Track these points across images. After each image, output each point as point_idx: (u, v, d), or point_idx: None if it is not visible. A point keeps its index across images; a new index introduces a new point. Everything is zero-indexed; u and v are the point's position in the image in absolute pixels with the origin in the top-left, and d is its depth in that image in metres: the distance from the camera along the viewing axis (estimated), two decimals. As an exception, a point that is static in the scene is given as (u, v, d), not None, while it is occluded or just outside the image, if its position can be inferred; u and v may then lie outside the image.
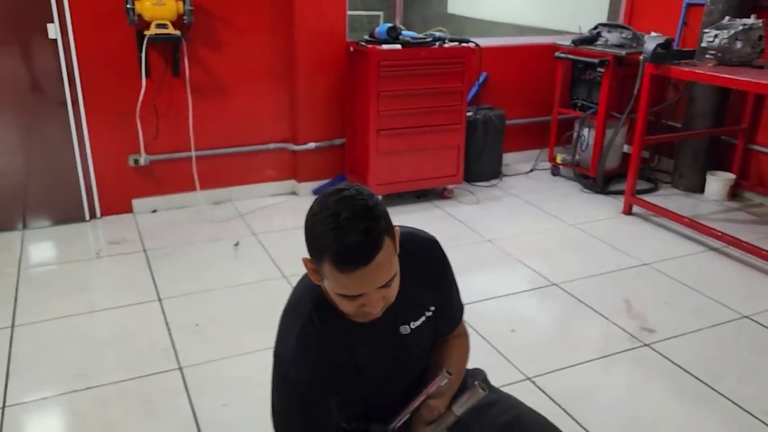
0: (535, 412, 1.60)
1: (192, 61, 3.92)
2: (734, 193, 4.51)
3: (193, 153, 4.05)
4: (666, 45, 3.82)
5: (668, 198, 4.51)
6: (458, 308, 1.58)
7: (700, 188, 4.60)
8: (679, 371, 2.61)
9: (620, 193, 4.48)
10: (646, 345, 2.79)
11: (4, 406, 2.33)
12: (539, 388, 2.49)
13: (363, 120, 4.10)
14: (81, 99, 3.76)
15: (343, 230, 1.12)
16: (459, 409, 1.18)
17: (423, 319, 1.44)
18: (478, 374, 1.69)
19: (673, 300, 3.18)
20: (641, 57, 3.92)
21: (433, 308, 1.46)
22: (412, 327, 1.42)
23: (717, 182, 4.48)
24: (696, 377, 2.57)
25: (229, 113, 4.16)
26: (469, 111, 4.51)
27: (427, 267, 1.44)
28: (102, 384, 2.47)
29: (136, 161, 3.98)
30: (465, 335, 1.62)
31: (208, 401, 2.38)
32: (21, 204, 3.86)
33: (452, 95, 4.16)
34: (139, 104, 3.82)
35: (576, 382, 2.54)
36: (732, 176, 4.48)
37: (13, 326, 2.83)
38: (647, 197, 4.38)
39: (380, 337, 1.39)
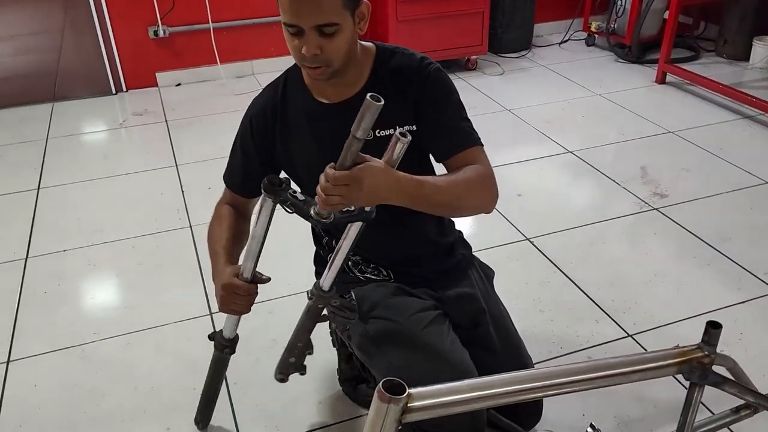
0: (512, 325, 1.57)
1: (204, -74, 3.81)
2: (783, 60, 4.21)
3: (211, 25, 4.02)
4: None
5: (708, 66, 4.25)
6: (461, 132, 1.39)
7: (745, 56, 4.30)
8: (685, 233, 2.57)
9: (655, 62, 4.25)
10: (654, 209, 2.74)
11: (27, 257, 2.51)
12: (537, 247, 2.51)
13: (382, -15, 3.94)
14: (95, -32, 3.74)
15: None
16: (357, 129, 1.07)
17: (391, 131, 1.31)
18: (488, 268, 1.67)
19: (694, 167, 3.07)
20: None
21: (410, 127, 1.36)
22: (377, 134, 1.36)
23: (764, 48, 4.17)
24: (702, 239, 2.53)
25: (247, -19, 4.07)
26: (497, -25, 4.26)
27: (407, 79, 1.36)
28: (117, 239, 2.62)
29: (156, 33, 3.98)
30: (479, 165, 1.37)
31: (213, 255, 2.49)
32: (51, 79, 3.96)
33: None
34: (151, -29, 3.77)
35: (575, 242, 2.54)
36: (781, 41, 4.16)
37: (38, 188, 3.00)
38: (685, 65, 4.14)
39: (342, 129, 1.31)
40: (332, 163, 1.12)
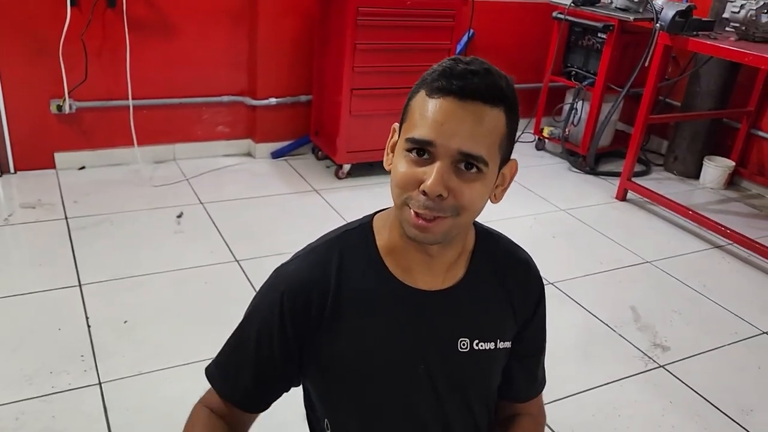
0: None
1: (132, -10, 3.24)
2: (731, 181, 4.17)
3: (131, 102, 3.40)
4: (686, 13, 3.36)
5: (662, 183, 4.14)
6: (538, 375, 1.22)
7: (695, 173, 4.23)
8: (703, 403, 2.23)
9: (611, 174, 4.12)
10: (660, 366, 2.40)
11: None
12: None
13: (335, 76, 3.52)
14: (-11, 27, 3.06)
15: (462, 60, 0.91)
16: None
17: (492, 346, 1.07)
18: None
19: (684, 309, 2.79)
20: (657, 25, 3.45)
21: (509, 343, 1.10)
22: (476, 347, 1.05)
23: (715, 169, 4.12)
24: (723, 412, 2.19)
25: (176, 56, 3.51)
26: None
27: (523, 280, 1.13)
28: (-6, 405, 1.91)
29: (60, 107, 3.31)
30: (539, 417, 1.24)
31: (134, 434, 1.86)
32: None
33: (439, 54, 3.61)
34: (62, 38, 3.13)
35: (585, 411, 2.13)
36: (731, 163, 4.12)
37: None
38: (640, 181, 4.00)
39: (427, 331, 1.03)
40: None
